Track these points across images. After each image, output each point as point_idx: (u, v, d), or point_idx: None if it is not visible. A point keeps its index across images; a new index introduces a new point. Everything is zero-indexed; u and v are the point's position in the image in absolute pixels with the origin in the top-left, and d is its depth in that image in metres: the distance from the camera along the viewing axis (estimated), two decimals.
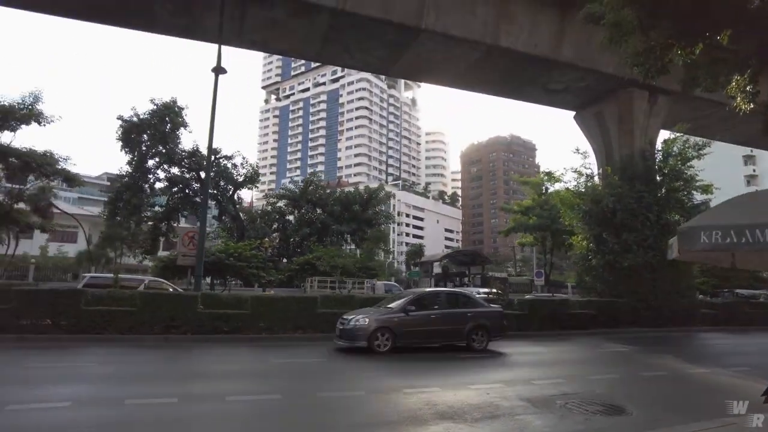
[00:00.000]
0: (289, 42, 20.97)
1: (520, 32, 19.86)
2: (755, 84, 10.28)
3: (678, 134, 22.20)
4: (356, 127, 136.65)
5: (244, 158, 35.16)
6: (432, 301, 12.32)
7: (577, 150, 22.76)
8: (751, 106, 10.44)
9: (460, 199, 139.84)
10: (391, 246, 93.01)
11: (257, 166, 35.87)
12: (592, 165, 22.92)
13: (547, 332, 16.53)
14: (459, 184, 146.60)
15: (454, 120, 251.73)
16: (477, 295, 14.04)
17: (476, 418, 6.18)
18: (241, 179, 35.28)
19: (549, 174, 27.24)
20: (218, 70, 17.29)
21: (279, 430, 5.93)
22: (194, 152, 33.69)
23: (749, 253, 4.77)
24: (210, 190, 35.30)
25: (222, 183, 35.09)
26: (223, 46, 17.63)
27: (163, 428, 5.66)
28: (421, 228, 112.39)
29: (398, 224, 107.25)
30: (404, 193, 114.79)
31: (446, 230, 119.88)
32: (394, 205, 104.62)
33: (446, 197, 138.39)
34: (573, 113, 25.53)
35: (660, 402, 7.45)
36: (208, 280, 26.38)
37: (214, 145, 36.03)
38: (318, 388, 7.69)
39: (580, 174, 22.23)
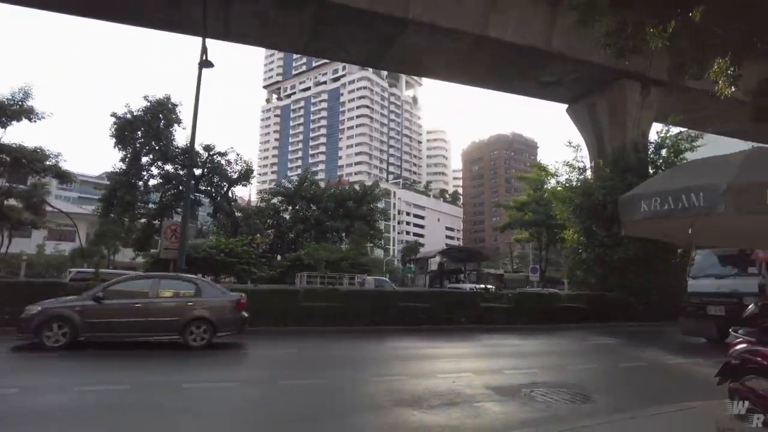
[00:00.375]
0: (277, 35, 20.81)
1: (509, 23, 19.62)
2: (737, 67, 10.05)
3: (671, 126, 21.92)
4: (357, 126, 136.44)
5: (238, 155, 35.21)
6: (140, 287, 10.32)
7: (570, 143, 22.58)
8: (733, 89, 10.21)
9: (461, 197, 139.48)
10: (391, 244, 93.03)
11: (252, 163, 35.77)
12: (584, 158, 22.71)
13: (535, 326, 16.31)
14: (460, 182, 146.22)
15: (456, 118, 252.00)
16: (208, 283, 11.93)
17: (433, 405, 6.00)
18: (235, 176, 35.17)
19: (543, 168, 26.99)
20: (203, 63, 17.08)
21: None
22: (188, 149, 33.62)
23: (703, 226, 4.56)
24: (204, 187, 35.35)
25: (216, 179, 34.98)
26: (221, 43, 17.50)
27: (97, 410, 5.50)
28: (422, 226, 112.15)
29: (399, 222, 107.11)
30: (405, 192, 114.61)
31: (447, 228, 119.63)
32: (394, 204, 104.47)
33: (447, 196, 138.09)
34: (566, 107, 25.26)
35: (629, 390, 7.25)
36: (200, 276, 26.26)
37: (208, 142, 36.11)
38: None
39: (573, 167, 22.00)
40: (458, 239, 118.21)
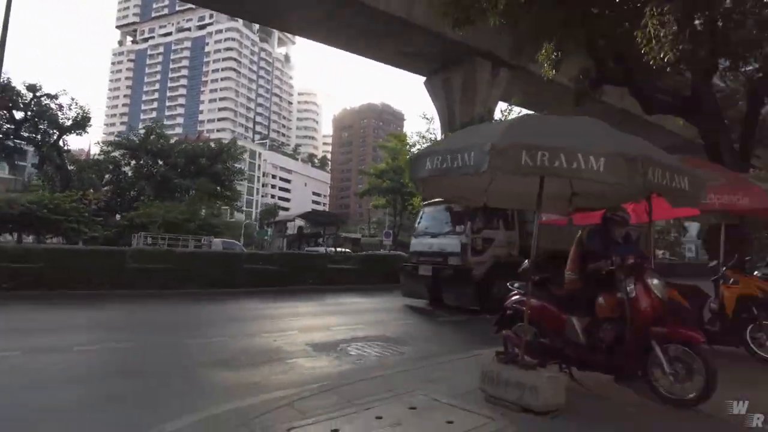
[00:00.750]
0: None
1: None
2: (559, 52, 11.07)
3: (513, 107, 23.90)
4: (222, 80, 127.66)
5: (73, 99, 30.73)
6: None
7: (424, 115, 23.54)
8: (554, 72, 11.28)
9: (330, 163, 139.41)
10: (254, 207, 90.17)
11: (89, 110, 31.26)
12: (437, 130, 23.84)
13: (381, 285, 16.83)
14: (330, 147, 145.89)
15: (330, 83, 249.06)
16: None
17: (244, 363, 5.88)
18: (68, 123, 30.78)
19: (400, 138, 27.90)
20: None
21: None
22: (6, 87, 28.59)
23: (495, 189, 4.90)
24: (27, 134, 30.57)
25: (43, 126, 30.31)
26: None
27: None
28: (288, 190, 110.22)
29: (263, 185, 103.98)
30: (272, 153, 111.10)
31: (314, 193, 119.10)
32: (259, 165, 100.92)
33: (316, 160, 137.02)
34: (424, 79, 26.15)
35: (441, 342, 7.81)
36: (15, 236, 22.85)
37: (33, 81, 31.04)
38: None
39: (425, 139, 22.98)
40: (325, 204, 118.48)
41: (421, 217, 12.93)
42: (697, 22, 10.14)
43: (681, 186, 3.53)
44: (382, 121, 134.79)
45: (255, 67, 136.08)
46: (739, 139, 10.30)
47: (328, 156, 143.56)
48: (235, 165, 37.86)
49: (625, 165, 3.13)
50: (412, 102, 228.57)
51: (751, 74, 12.92)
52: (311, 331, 8.11)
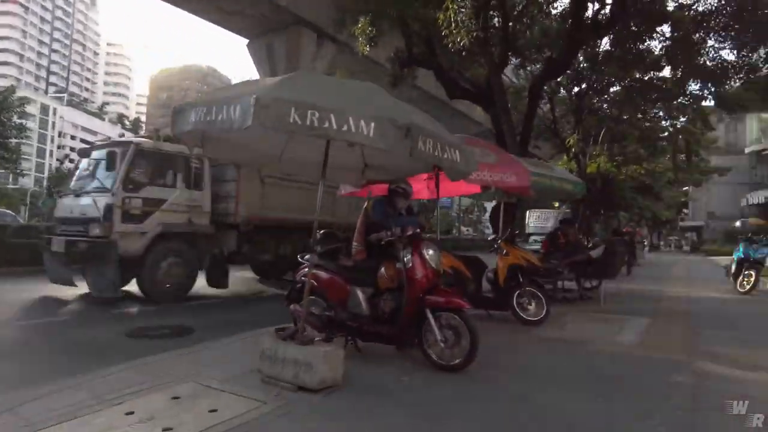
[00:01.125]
0: None
1: None
2: (374, 28, 11.18)
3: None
4: (2, 14, 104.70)
5: None
6: None
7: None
8: (368, 48, 11.40)
9: (144, 126, 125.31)
10: (46, 172, 77.36)
11: None
12: None
13: None
14: (145, 109, 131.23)
15: (146, 37, 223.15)
16: None
17: None
18: None
19: None
20: None
21: None
22: None
23: (289, 158, 4.56)
24: None
25: None
26: None
27: None
28: None
29: (60, 147, 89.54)
30: (71, 110, 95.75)
31: None
32: (54, 123, 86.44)
33: (127, 122, 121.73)
34: (247, 42, 24.72)
35: (233, 324, 7.18)
36: None
37: None
38: None
39: None
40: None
41: (76, 169, 9.52)
42: (495, 19, 11.14)
43: (452, 158, 3.62)
44: (207, 84, 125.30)
45: (50, 5, 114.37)
46: (521, 131, 11.66)
47: (143, 118, 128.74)
48: (15, 120, 31.30)
49: (395, 131, 3.05)
50: (240, 68, 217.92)
51: (536, 73, 14.75)
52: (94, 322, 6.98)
